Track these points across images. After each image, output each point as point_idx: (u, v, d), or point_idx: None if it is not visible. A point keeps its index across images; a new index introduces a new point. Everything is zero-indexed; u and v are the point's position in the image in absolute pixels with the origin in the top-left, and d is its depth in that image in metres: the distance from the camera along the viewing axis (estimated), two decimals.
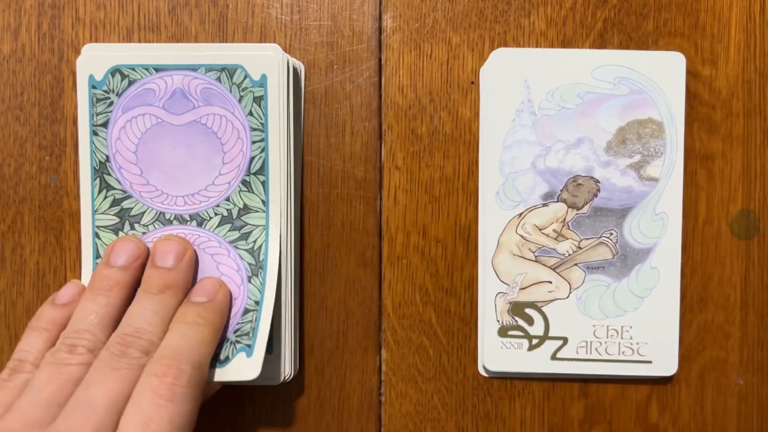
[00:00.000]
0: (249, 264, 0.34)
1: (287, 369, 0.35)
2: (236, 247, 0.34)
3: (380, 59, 0.37)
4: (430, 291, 0.37)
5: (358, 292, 0.37)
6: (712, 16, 0.36)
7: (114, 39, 0.36)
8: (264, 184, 0.34)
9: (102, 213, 0.35)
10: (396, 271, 0.37)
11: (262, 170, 0.34)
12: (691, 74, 0.36)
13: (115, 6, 0.37)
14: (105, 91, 0.34)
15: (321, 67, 0.37)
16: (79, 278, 0.37)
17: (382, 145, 0.37)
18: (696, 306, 0.36)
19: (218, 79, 0.34)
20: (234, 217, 0.34)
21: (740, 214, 0.36)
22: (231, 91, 0.34)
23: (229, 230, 0.34)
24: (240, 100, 0.34)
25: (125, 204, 0.35)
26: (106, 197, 0.35)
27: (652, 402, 0.37)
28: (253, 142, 0.34)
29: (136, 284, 0.33)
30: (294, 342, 0.36)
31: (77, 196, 0.37)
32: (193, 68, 0.34)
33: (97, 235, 0.35)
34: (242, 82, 0.34)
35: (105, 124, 0.34)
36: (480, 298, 0.36)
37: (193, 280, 0.34)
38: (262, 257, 0.34)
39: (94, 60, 0.34)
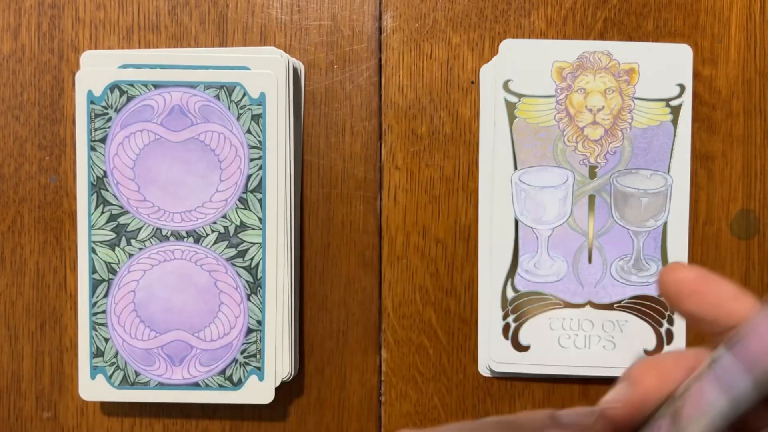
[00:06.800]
0: (247, 282, 0.34)
1: (286, 372, 0.35)
2: (233, 265, 0.34)
3: (380, 59, 0.37)
4: (430, 291, 0.37)
5: (358, 292, 0.37)
6: (712, 16, 0.36)
7: (114, 39, 0.36)
8: (261, 201, 0.34)
9: (99, 228, 0.35)
10: (396, 271, 0.37)
11: (260, 188, 0.34)
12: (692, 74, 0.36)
13: (115, 6, 0.37)
14: (103, 107, 0.34)
15: (321, 67, 0.37)
16: (76, 288, 0.36)
17: (382, 145, 0.37)
18: None
19: (217, 96, 0.34)
20: (231, 234, 0.34)
21: (740, 214, 0.36)
22: (229, 109, 0.34)
23: (226, 247, 0.35)
24: (238, 118, 0.34)
25: (122, 220, 0.35)
26: (103, 212, 0.35)
27: None
28: (251, 160, 0.34)
29: None
30: (294, 342, 0.36)
31: (77, 197, 0.37)
32: (192, 85, 0.34)
33: (93, 251, 0.35)
34: (241, 99, 0.34)
35: (103, 140, 0.34)
36: (485, 298, 0.36)
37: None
38: (259, 275, 0.34)
39: (93, 76, 0.34)
